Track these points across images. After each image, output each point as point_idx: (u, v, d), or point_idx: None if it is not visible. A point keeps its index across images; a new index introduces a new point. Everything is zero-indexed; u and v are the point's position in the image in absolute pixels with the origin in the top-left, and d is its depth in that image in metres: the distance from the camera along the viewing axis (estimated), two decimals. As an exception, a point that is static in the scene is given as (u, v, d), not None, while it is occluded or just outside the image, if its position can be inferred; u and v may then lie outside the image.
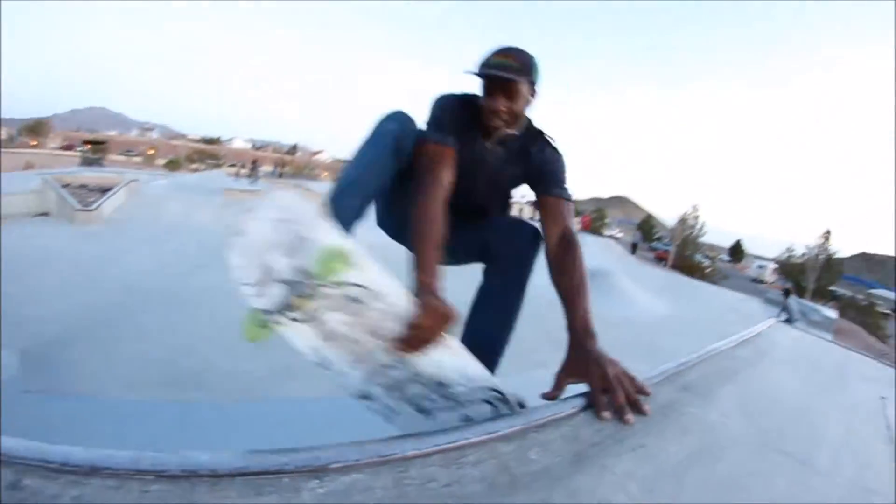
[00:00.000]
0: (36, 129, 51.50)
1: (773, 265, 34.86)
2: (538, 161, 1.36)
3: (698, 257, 33.35)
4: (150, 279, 6.85)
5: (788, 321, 7.91)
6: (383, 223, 1.52)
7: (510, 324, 1.35)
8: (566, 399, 1.06)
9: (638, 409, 1.02)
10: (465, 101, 1.33)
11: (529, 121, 1.38)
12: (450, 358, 1.05)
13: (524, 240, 1.32)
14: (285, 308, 0.99)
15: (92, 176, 13.71)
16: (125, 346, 4.62)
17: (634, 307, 8.74)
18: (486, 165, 1.36)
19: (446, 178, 1.22)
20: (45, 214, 10.05)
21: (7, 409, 3.45)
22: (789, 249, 29.27)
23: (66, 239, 8.42)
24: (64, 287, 6.12)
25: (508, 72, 1.22)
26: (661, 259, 32.20)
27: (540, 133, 1.39)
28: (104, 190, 11.59)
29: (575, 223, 1.36)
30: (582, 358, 1.08)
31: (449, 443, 0.79)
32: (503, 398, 1.13)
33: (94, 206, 9.93)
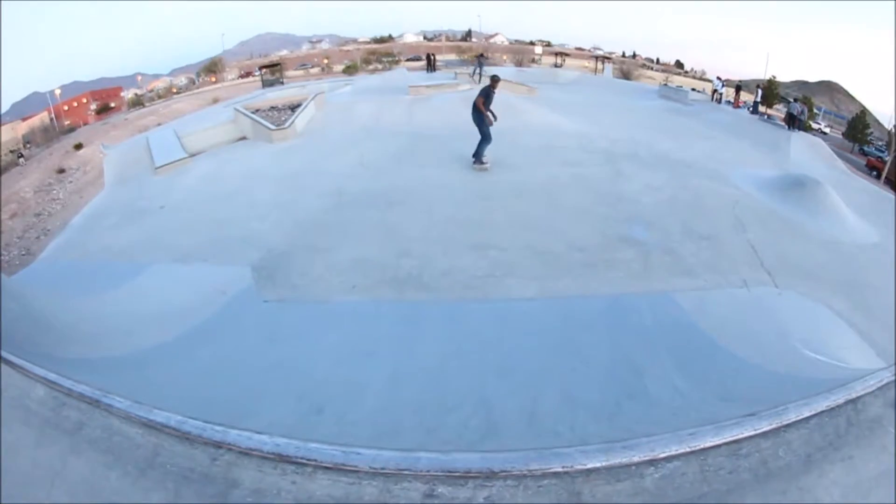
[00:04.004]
0: (211, 67, 55.97)
1: None
2: None
3: (917, 175, 26.00)
4: (355, 183, 7.29)
5: None
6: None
7: None
8: (820, 397, 1.36)
9: None
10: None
11: None
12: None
13: None
14: None
15: (279, 97, 14.06)
16: (343, 250, 5.03)
17: (843, 227, 7.53)
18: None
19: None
20: (242, 139, 11.13)
21: (249, 319, 3.96)
22: None
23: (268, 157, 9.38)
24: (276, 201, 6.81)
25: None
26: (872, 168, 25.61)
27: None
28: (293, 107, 12.14)
29: None
30: None
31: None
32: None
33: (287, 124, 10.74)
